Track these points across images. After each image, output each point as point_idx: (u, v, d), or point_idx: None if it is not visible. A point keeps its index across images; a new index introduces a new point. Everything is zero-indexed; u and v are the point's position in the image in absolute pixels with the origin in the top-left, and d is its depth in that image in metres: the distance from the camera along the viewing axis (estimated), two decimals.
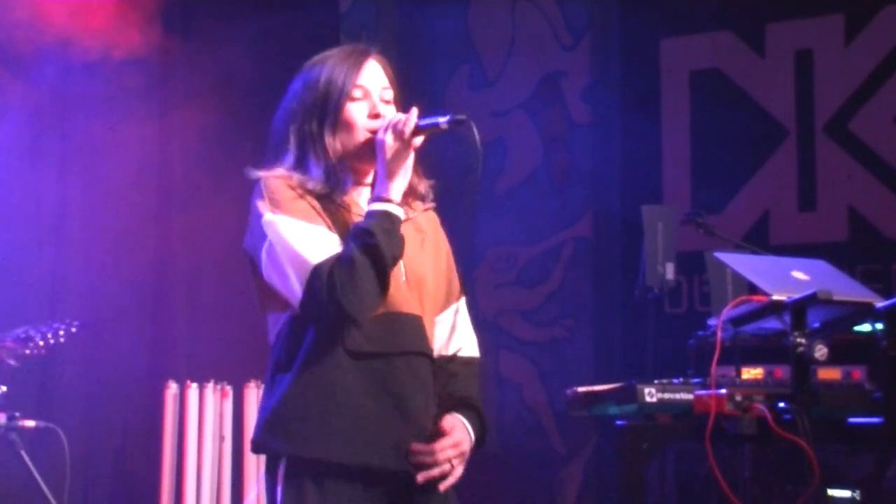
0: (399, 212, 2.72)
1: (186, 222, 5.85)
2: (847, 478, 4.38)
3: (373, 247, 2.65)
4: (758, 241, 5.66)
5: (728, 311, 3.84)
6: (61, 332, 4.50)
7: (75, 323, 4.57)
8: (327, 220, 2.74)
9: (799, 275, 3.87)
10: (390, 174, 2.73)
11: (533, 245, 6.88)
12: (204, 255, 5.79)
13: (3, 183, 5.31)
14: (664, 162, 6.58)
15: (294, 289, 2.66)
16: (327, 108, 2.80)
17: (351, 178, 2.80)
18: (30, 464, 4.42)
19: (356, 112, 2.80)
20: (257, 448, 2.75)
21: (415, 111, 2.77)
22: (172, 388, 5.08)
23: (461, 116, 2.76)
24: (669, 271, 5.33)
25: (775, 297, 3.73)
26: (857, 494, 4.41)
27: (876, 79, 6.09)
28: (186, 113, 5.88)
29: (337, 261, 2.64)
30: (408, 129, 2.73)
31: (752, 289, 4.25)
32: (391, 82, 2.86)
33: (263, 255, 2.71)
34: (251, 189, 2.81)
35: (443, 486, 2.75)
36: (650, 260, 5.33)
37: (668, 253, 5.35)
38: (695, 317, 5.99)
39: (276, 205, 2.72)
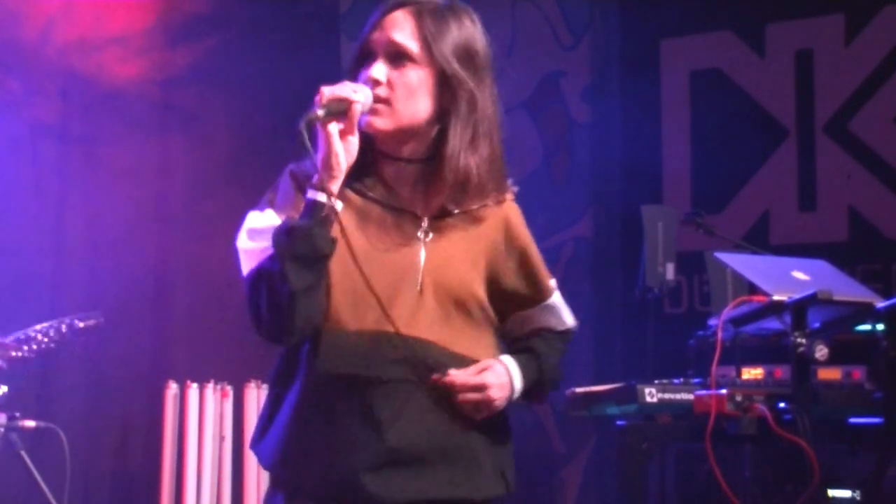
0: (318, 198, 2.31)
1: (187, 222, 5.84)
2: (847, 478, 4.38)
3: (277, 254, 2.30)
4: (758, 241, 5.66)
5: (728, 311, 3.85)
6: (64, 328, 4.49)
7: (78, 323, 4.55)
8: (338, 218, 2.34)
9: (799, 275, 3.88)
10: (319, 159, 2.34)
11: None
12: (205, 254, 5.79)
13: (4, 183, 5.31)
14: (664, 162, 6.58)
15: None
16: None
17: (379, 154, 2.43)
18: (30, 464, 4.41)
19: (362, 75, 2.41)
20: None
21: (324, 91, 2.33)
22: (172, 388, 5.08)
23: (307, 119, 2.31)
24: (669, 271, 5.33)
25: (775, 297, 3.73)
26: (857, 494, 4.41)
27: (876, 79, 6.09)
28: (186, 112, 5.88)
29: (259, 273, 2.34)
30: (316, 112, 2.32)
31: (752, 289, 4.25)
32: (415, 36, 2.39)
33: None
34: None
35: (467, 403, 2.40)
36: (650, 260, 5.33)
37: (668, 253, 5.35)
38: (695, 317, 5.99)
39: (264, 199, 2.45)
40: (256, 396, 5.18)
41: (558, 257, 6.80)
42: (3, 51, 5.32)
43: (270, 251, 2.32)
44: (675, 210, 5.52)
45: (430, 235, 2.44)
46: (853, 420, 3.93)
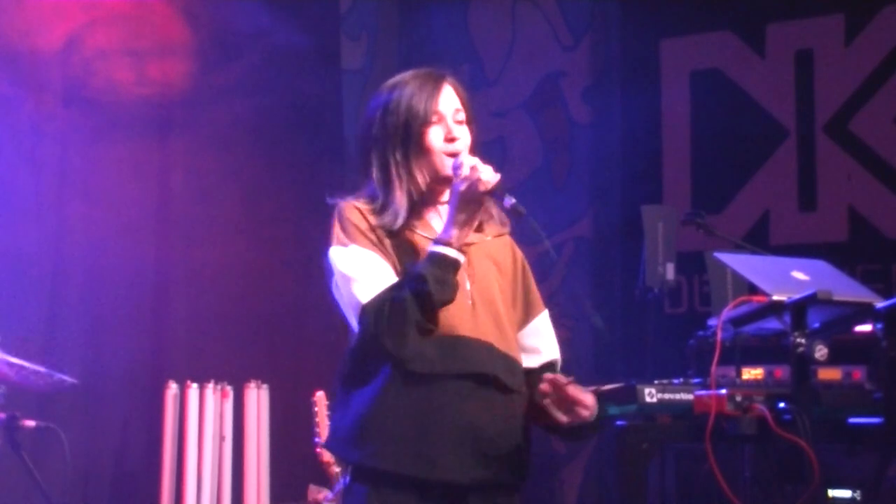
0: (457, 256, 2.83)
1: (187, 223, 5.85)
2: (847, 478, 4.38)
3: (424, 294, 2.78)
4: (758, 241, 5.66)
5: (728, 312, 3.84)
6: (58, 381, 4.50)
7: (75, 382, 4.57)
8: (392, 252, 2.89)
9: (799, 275, 3.87)
10: (457, 222, 2.85)
11: (533, 245, 6.88)
12: (205, 254, 5.79)
13: (4, 183, 5.31)
14: (664, 162, 6.58)
15: (351, 323, 2.87)
16: (409, 135, 2.93)
17: (428, 201, 2.96)
18: (30, 464, 4.42)
19: (433, 137, 2.93)
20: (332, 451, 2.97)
21: (497, 176, 2.87)
22: (172, 388, 5.08)
23: (521, 209, 2.88)
24: (669, 271, 5.34)
25: (775, 298, 3.73)
26: (857, 494, 4.41)
27: (876, 79, 6.09)
28: (187, 115, 5.88)
29: (387, 302, 2.79)
30: (482, 189, 2.84)
31: (752, 289, 4.25)
32: (463, 104, 2.99)
33: (333, 285, 2.91)
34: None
35: (564, 418, 2.86)
36: (650, 260, 5.33)
37: (668, 253, 5.35)
38: (695, 317, 5.99)
39: (343, 235, 2.89)
40: (256, 396, 5.18)
41: (558, 257, 6.80)
42: (7, 53, 5.33)
43: (393, 283, 2.82)
44: (675, 210, 5.52)
45: (466, 261, 2.92)
46: (853, 420, 3.92)
